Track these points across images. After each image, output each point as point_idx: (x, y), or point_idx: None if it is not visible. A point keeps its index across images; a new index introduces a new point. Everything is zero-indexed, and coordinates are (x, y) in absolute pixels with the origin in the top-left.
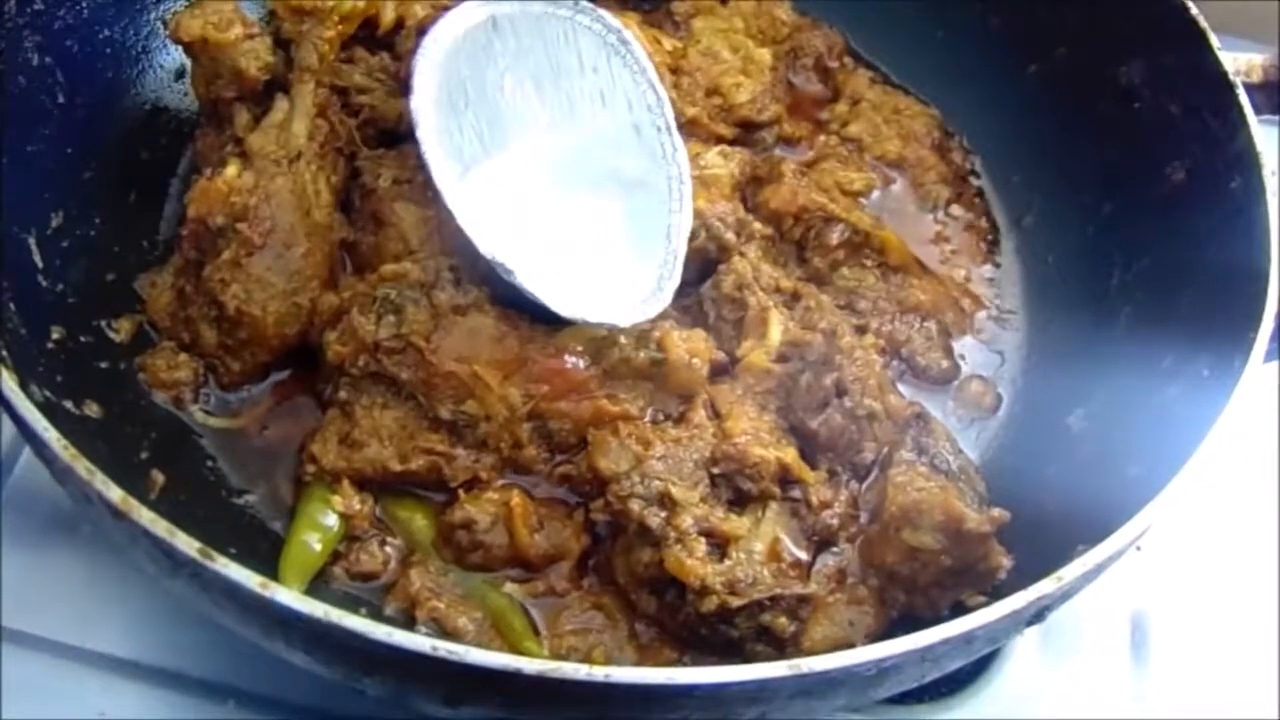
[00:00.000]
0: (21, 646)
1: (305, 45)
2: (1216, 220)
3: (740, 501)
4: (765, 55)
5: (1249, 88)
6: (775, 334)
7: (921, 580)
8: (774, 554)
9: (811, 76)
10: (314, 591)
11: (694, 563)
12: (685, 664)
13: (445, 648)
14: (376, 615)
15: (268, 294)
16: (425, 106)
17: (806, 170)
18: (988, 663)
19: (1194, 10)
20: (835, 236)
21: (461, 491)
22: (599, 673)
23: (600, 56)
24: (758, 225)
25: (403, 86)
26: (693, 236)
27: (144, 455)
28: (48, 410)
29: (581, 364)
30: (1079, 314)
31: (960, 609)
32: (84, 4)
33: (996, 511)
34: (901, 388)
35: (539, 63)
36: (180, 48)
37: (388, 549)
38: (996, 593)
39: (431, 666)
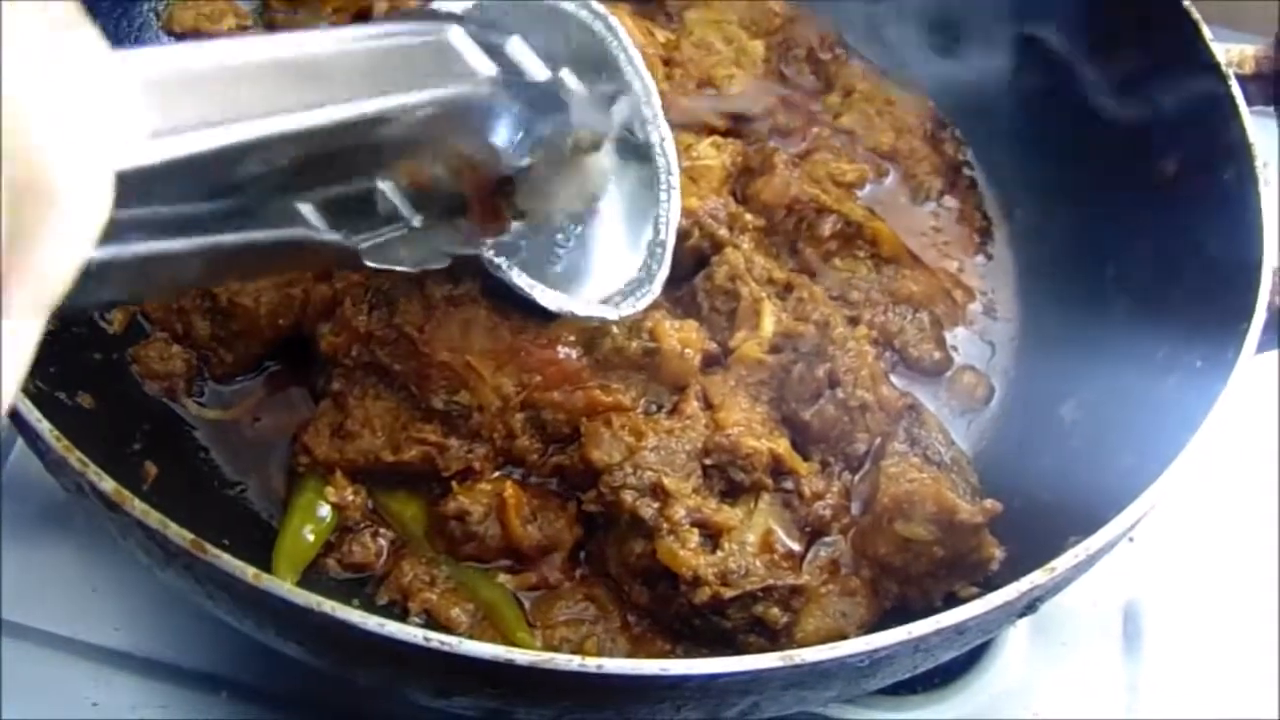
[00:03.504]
0: (13, 637)
1: None
2: (1209, 211)
3: (733, 493)
4: (758, 47)
5: (1241, 79)
6: (768, 325)
7: (914, 571)
8: (766, 545)
9: (804, 68)
10: (307, 583)
11: (686, 554)
12: (678, 655)
13: (437, 639)
14: (369, 606)
15: (260, 285)
16: None
17: (799, 162)
18: (980, 654)
19: (1186, 1)
20: (828, 228)
21: (454, 482)
22: (591, 664)
23: (587, 42)
24: (750, 217)
25: None
26: (686, 235)
27: (137, 446)
28: (41, 401)
29: (574, 354)
30: (1072, 305)
31: (953, 600)
32: None
33: (989, 502)
34: (894, 379)
35: None
36: (173, 39)
37: (380, 540)
38: (989, 584)
39: (424, 657)
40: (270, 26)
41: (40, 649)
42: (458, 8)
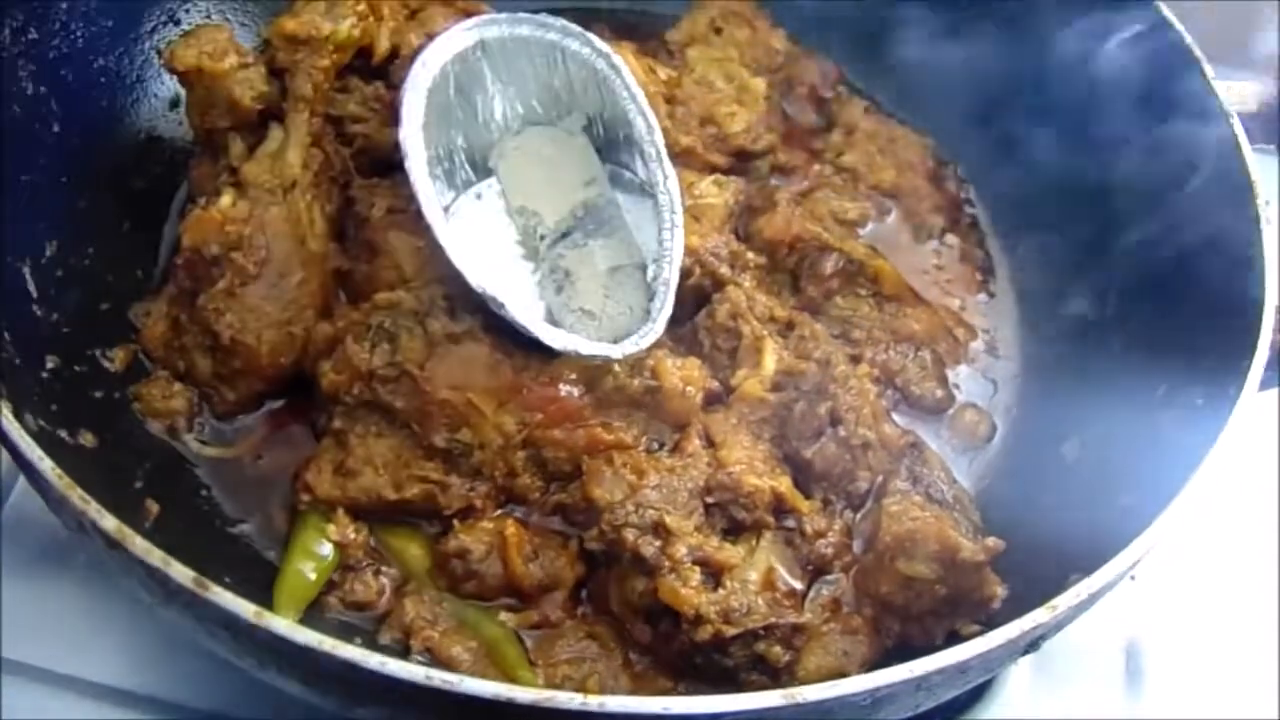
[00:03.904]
0: (13, 675)
1: (300, 74)
2: (1211, 249)
3: (735, 531)
4: (760, 85)
5: (1244, 117)
6: (770, 363)
7: (916, 609)
8: (768, 583)
9: (806, 106)
10: (309, 621)
11: (688, 592)
12: (680, 693)
13: (440, 677)
14: (371, 644)
15: (262, 323)
16: (415, 135)
17: (801, 199)
18: (982, 692)
19: (1189, 39)
20: (830, 266)
21: (456, 521)
22: (593, 702)
23: (590, 80)
24: (751, 255)
25: (393, 117)
26: (687, 273)
27: (138, 484)
28: (42, 439)
29: (575, 392)
30: (1073, 343)
31: (955, 638)
32: (79, 33)
33: (991, 541)
34: (896, 417)
35: (528, 86)
36: (175, 77)
37: (382, 578)
38: (991, 622)
39: (426, 696)
40: (271, 65)
41: (41, 687)
42: (468, 38)
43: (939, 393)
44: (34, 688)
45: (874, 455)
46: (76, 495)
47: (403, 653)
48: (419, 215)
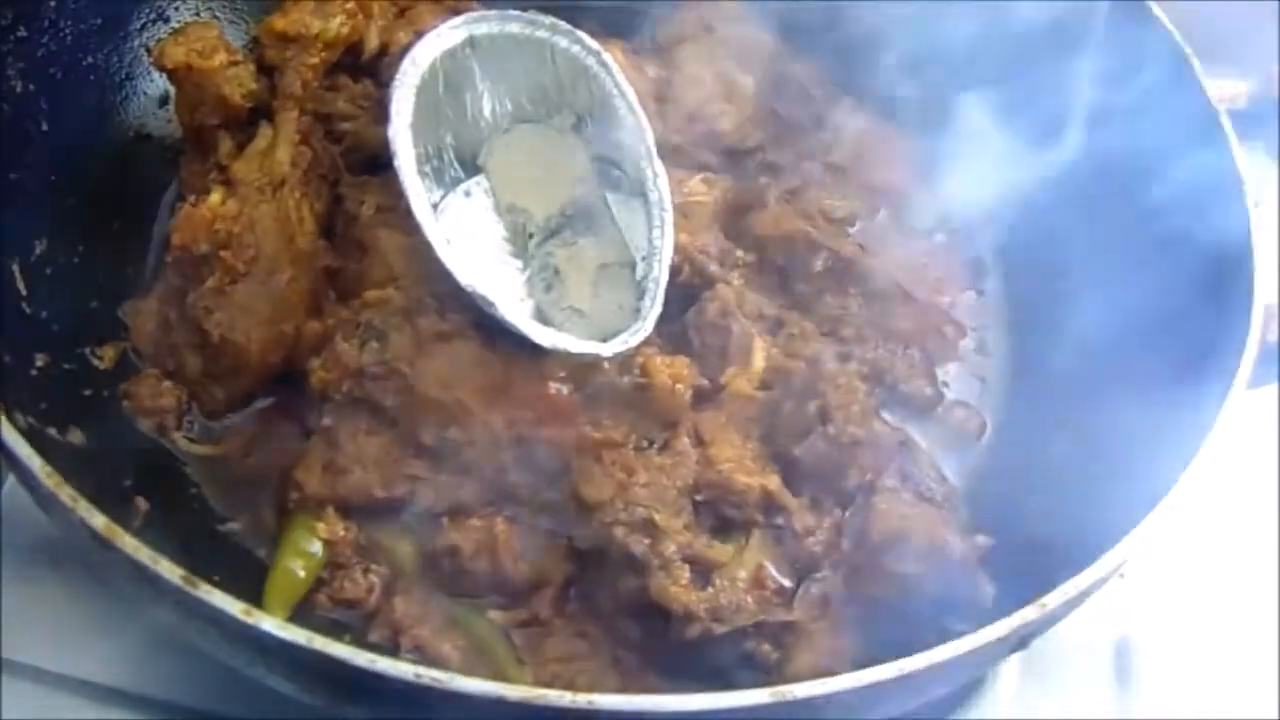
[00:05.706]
0: (8, 675)
1: (289, 72)
2: (1201, 247)
3: (724, 529)
4: (749, 83)
5: (1234, 114)
6: (759, 361)
7: (905, 607)
8: (758, 581)
9: (795, 104)
10: (298, 619)
11: (678, 590)
12: (669, 691)
13: (429, 675)
14: (360, 642)
15: (252, 321)
16: (403, 133)
17: (790, 197)
18: (972, 690)
19: (1179, 36)
20: (819, 263)
21: (445, 519)
22: (582, 699)
23: (580, 78)
24: (741, 253)
25: (382, 114)
26: (676, 271)
27: (127, 483)
28: (31, 437)
29: (565, 390)
30: (1063, 340)
31: (944, 636)
32: (67, 31)
33: (980, 538)
34: (885, 415)
35: (517, 84)
36: (164, 75)
37: (371, 576)
38: (980, 620)
39: (415, 694)
40: (260, 63)
41: (35, 686)
42: (457, 36)
43: (928, 390)
44: (21, 685)
45: (863, 453)
46: (65, 493)
47: (392, 651)
48: (408, 213)
